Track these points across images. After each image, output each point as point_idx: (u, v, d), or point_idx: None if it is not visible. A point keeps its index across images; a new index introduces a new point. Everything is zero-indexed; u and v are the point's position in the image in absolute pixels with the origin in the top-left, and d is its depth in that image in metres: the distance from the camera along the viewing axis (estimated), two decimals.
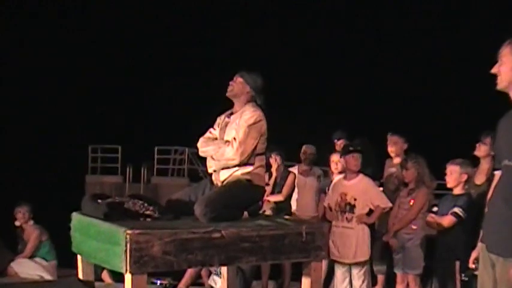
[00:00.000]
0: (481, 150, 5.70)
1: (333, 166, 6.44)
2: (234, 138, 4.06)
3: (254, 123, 4.08)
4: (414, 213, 5.63)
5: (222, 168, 4.14)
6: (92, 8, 21.04)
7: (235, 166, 4.09)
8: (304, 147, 7.46)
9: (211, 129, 4.35)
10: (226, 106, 4.39)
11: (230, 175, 4.11)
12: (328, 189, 6.14)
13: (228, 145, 4.08)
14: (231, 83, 4.25)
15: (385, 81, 19.45)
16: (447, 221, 5.07)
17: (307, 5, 20.91)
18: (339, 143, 7.07)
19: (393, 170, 6.31)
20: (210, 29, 20.95)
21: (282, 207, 6.88)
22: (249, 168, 4.10)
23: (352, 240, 5.57)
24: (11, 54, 19.25)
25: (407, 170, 5.73)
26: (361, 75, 19.77)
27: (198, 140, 4.34)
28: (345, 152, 5.77)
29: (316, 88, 19.79)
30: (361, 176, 5.67)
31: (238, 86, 4.22)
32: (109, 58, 20.09)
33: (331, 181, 6.34)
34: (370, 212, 5.64)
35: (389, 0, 19.91)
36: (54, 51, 20.02)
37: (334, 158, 6.37)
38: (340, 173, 6.22)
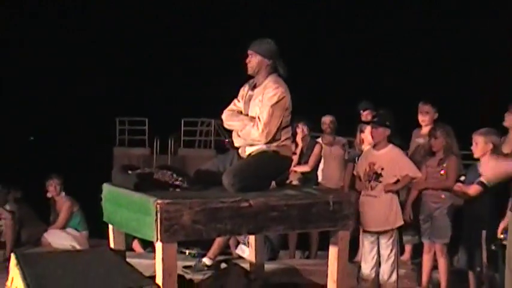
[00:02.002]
0: (508, 120, 5.64)
1: (367, 135, 6.33)
2: (259, 118, 4.08)
3: (277, 102, 4.09)
4: (452, 181, 5.58)
5: (248, 145, 4.18)
6: (92, 8, 21.03)
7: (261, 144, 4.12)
8: (323, 118, 7.46)
9: (235, 101, 4.37)
10: (249, 76, 4.38)
11: (257, 148, 4.15)
12: (355, 158, 6.15)
13: (253, 125, 4.10)
14: (247, 60, 4.24)
15: (382, 83, 19.20)
16: (473, 190, 5.06)
17: (307, 4, 20.71)
18: (365, 114, 7.04)
19: (421, 140, 6.28)
20: (210, 29, 20.84)
21: (309, 177, 6.91)
22: (275, 143, 4.14)
23: (378, 208, 5.58)
24: (10, 54, 19.37)
25: (436, 139, 5.70)
26: (360, 77, 19.52)
27: (222, 114, 4.38)
28: (375, 124, 5.73)
29: (314, 91, 19.65)
30: (390, 146, 5.66)
31: (255, 62, 4.21)
32: (109, 58, 20.10)
33: (360, 151, 6.33)
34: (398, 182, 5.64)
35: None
36: (54, 51, 20.12)
37: (369, 128, 6.29)
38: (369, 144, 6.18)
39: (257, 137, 4.08)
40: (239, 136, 4.22)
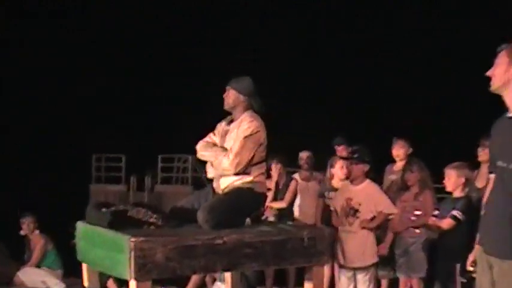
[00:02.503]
0: (481, 154, 5.75)
1: (337, 171, 6.38)
2: (231, 149, 4.14)
3: (251, 135, 4.14)
4: (429, 216, 5.64)
5: (221, 176, 4.21)
6: (92, 8, 21.04)
7: (234, 175, 4.15)
8: (300, 153, 7.52)
9: (210, 134, 4.42)
10: (227, 113, 4.45)
11: (231, 184, 4.17)
12: (325, 193, 6.18)
13: (224, 155, 4.16)
14: (224, 96, 4.33)
15: (382, 83, 19.45)
16: (446, 223, 5.12)
17: (307, 4, 20.91)
18: (340, 149, 7.12)
19: (393, 177, 6.35)
20: (210, 29, 20.93)
21: (285, 214, 6.93)
22: (248, 178, 4.16)
23: (356, 244, 5.59)
24: (10, 54, 19.28)
25: (412, 173, 5.78)
26: (360, 77, 19.77)
27: (197, 145, 4.41)
28: (353, 160, 5.77)
29: (314, 91, 19.77)
30: (367, 181, 5.69)
31: (231, 98, 4.29)
32: (109, 58, 20.09)
33: (330, 186, 6.36)
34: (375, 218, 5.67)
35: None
36: (54, 51, 20.05)
37: (339, 163, 6.35)
38: (346, 178, 6.22)
39: (227, 166, 4.11)
40: (212, 166, 4.26)
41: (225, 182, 4.19)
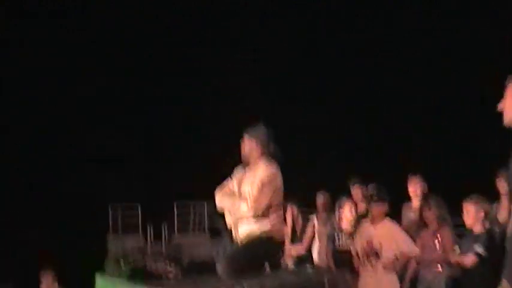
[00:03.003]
0: (500, 186, 5.69)
1: (346, 213, 6.28)
2: (249, 194, 4.23)
3: (267, 180, 4.23)
4: (449, 253, 5.57)
5: (240, 222, 4.25)
6: (92, 8, 21.20)
7: (251, 221, 4.20)
8: (318, 195, 7.46)
9: (228, 181, 4.49)
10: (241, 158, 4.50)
11: (249, 231, 4.21)
12: (336, 237, 6.11)
13: (243, 201, 4.24)
14: (242, 145, 4.44)
15: (395, 122, 19.43)
16: (469, 261, 5.04)
17: (307, 4, 21.02)
18: (356, 189, 7.07)
19: (412, 215, 6.27)
20: (210, 29, 21.00)
21: (304, 258, 6.84)
22: (266, 224, 4.20)
23: (379, 286, 5.50)
24: (10, 54, 19.42)
25: (429, 211, 5.72)
26: (374, 114, 19.76)
27: (215, 194, 4.47)
28: (373, 200, 5.71)
29: (328, 128, 19.72)
30: (387, 220, 5.63)
31: (247, 146, 4.41)
32: (109, 58, 20.08)
33: (338, 228, 6.24)
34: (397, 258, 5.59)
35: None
36: (54, 51, 20.17)
37: (348, 205, 6.26)
38: (352, 221, 6.12)
39: (246, 211, 4.19)
40: (230, 214, 4.33)
41: (244, 229, 4.24)
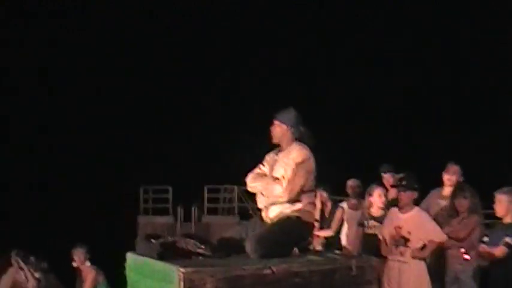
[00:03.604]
0: None
1: (376, 199, 6.32)
2: (283, 177, 4.19)
3: (302, 162, 4.20)
4: (465, 233, 5.58)
5: (271, 205, 4.25)
6: (92, 8, 21.36)
7: (284, 203, 4.19)
8: (348, 182, 7.48)
9: (260, 166, 4.48)
10: (273, 144, 4.50)
11: (280, 212, 4.20)
12: (364, 222, 6.14)
13: (277, 183, 4.21)
14: (272, 129, 4.42)
15: (427, 109, 19.24)
16: (499, 251, 5.01)
17: (307, 4, 20.91)
18: (387, 177, 7.06)
19: (443, 202, 6.24)
20: (211, 29, 21.03)
21: (332, 242, 6.88)
22: (298, 206, 4.19)
23: (408, 275, 5.48)
24: (11, 54, 19.68)
25: (465, 199, 5.70)
26: (405, 103, 19.58)
27: (246, 177, 4.47)
28: (402, 188, 5.71)
29: (357, 117, 19.64)
30: (416, 209, 5.62)
31: (277, 130, 4.38)
32: (109, 58, 20.27)
33: (368, 214, 6.26)
34: (425, 246, 5.58)
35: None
36: (54, 51, 20.41)
37: (377, 191, 6.28)
38: (382, 208, 6.16)
39: (280, 193, 4.17)
40: (263, 195, 4.31)
41: (275, 210, 4.23)
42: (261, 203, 4.35)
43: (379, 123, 18.78)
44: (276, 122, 4.40)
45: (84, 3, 21.71)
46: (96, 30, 21.00)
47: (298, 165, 4.18)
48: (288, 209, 4.19)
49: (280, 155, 4.36)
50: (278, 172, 4.27)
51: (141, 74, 20.84)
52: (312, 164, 4.26)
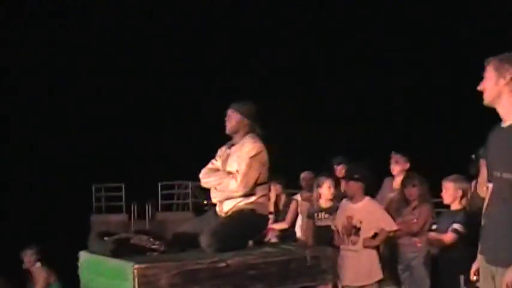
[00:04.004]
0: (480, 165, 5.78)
1: (325, 191, 6.37)
2: (237, 171, 4.16)
3: (255, 155, 4.17)
4: (418, 226, 5.69)
5: (226, 199, 4.22)
6: (92, 8, 21.13)
7: (238, 197, 4.18)
8: (302, 174, 7.55)
9: (213, 161, 4.44)
10: (226, 137, 4.47)
11: (234, 206, 4.19)
12: (314, 214, 6.21)
13: (231, 177, 4.17)
14: (226, 119, 4.34)
15: (378, 96, 19.56)
16: (448, 238, 5.12)
17: (307, 4, 21.05)
18: (339, 168, 7.14)
19: (391, 195, 6.36)
20: (211, 30, 21.02)
21: (287, 235, 6.93)
22: (252, 198, 4.18)
23: (359, 263, 5.58)
24: (11, 54, 19.33)
25: (413, 187, 5.81)
26: (357, 89, 19.87)
27: (200, 172, 4.43)
28: (348, 179, 5.81)
29: (313, 106, 19.78)
30: (367, 198, 5.72)
31: (235, 120, 4.30)
32: (109, 58, 20.12)
33: (318, 206, 6.33)
34: (376, 235, 5.68)
35: None
36: (54, 51, 20.13)
37: (326, 183, 6.34)
38: (331, 199, 6.24)
39: (235, 188, 4.13)
40: (217, 190, 4.26)
41: (229, 204, 4.20)
42: (215, 197, 4.30)
43: (379, 123, 18.93)
44: (233, 112, 4.30)
45: (84, 3, 21.40)
46: (96, 30, 20.75)
47: (251, 158, 4.14)
48: (242, 202, 4.17)
49: (233, 148, 4.30)
50: (232, 166, 4.23)
51: (141, 74, 20.66)
52: (265, 156, 4.23)
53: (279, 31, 20.57)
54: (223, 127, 4.39)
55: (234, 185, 4.13)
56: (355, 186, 5.67)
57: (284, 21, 20.82)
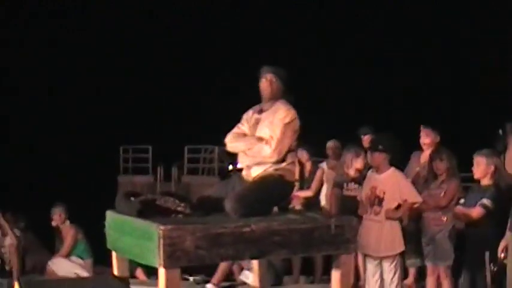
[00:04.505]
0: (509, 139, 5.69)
1: (355, 161, 6.30)
2: (271, 137, 4.08)
3: (290, 122, 4.11)
4: (446, 201, 5.64)
5: (256, 164, 4.16)
6: (92, 8, 21.16)
7: (269, 162, 4.12)
8: (328, 143, 7.52)
9: (239, 125, 4.36)
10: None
11: (263, 171, 4.13)
12: (345, 185, 6.20)
13: (264, 143, 4.11)
14: (266, 83, 4.24)
15: (410, 75, 19.37)
16: (476, 212, 5.07)
17: (307, 4, 20.85)
18: (366, 138, 7.09)
19: (419, 168, 6.30)
20: (211, 30, 20.98)
21: (312, 202, 6.94)
22: (281, 165, 4.13)
23: (381, 234, 5.59)
24: (11, 54, 19.50)
25: (441, 162, 5.74)
26: (388, 68, 19.69)
27: (227, 136, 4.38)
28: (373, 150, 5.78)
29: (340, 81, 19.68)
30: (392, 169, 5.69)
31: (275, 86, 4.22)
32: (109, 58, 20.18)
33: (346, 175, 6.30)
34: (399, 207, 5.66)
35: None
36: (54, 51, 20.26)
37: (350, 155, 6.28)
38: (360, 170, 6.21)
39: (269, 153, 4.07)
40: (246, 155, 4.20)
41: (258, 169, 4.14)
42: (243, 162, 4.24)
43: (379, 123, 18.82)
44: (273, 77, 4.21)
45: (84, 3, 21.42)
46: (96, 30, 20.79)
47: (286, 125, 4.08)
48: (271, 168, 4.12)
49: (264, 114, 4.22)
50: (263, 132, 4.15)
51: (141, 74, 20.73)
52: (298, 123, 4.17)
53: (279, 31, 20.38)
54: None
55: (268, 151, 4.07)
56: (379, 157, 5.64)
57: (284, 21, 20.60)
